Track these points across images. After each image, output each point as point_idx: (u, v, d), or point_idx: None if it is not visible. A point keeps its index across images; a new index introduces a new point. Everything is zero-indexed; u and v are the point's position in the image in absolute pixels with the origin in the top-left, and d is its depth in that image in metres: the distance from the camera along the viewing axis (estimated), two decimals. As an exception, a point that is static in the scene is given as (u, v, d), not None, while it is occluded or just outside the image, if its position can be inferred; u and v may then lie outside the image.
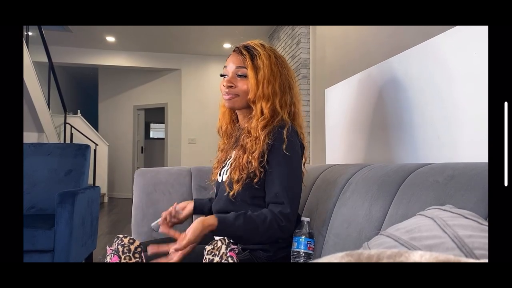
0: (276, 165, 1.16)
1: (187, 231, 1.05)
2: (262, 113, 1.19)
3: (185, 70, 7.99)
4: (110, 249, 1.04)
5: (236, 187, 1.18)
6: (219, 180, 1.32)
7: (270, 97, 1.19)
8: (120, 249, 1.02)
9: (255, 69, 1.20)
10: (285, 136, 1.15)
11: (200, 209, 1.40)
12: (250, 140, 1.19)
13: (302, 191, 1.26)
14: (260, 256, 1.20)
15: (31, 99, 4.89)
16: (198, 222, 1.05)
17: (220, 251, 1.00)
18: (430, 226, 0.65)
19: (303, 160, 1.27)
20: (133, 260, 1.02)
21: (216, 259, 0.99)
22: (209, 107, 7.68)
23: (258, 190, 1.19)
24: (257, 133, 1.18)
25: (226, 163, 1.31)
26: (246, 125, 1.25)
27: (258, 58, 1.20)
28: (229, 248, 1.00)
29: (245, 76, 1.21)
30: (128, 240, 1.04)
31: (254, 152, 1.16)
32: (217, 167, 1.37)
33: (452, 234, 0.61)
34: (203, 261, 1.04)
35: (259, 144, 1.16)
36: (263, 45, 1.25)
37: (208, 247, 1.04)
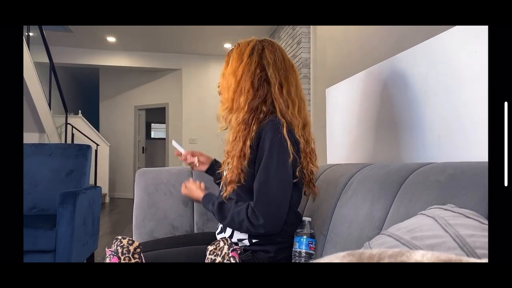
0: (260, 161, 1.16)
1: (187, 184, 1.44)
2: (222, 102, 1.25)
3: (186, 70, 7.99)
4: (110, 250, 1.04)
5: (229, 189, 1.20)
6: (223, 174, 1.33)
7: (229, 88, 1.22)
8: (120, 250, 1.02)
9: (226, 64, 1.27)
10: (267, 132, 1.14)
11: (212, 173, 1.58)
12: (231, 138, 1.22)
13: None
14: (261, 257, 1.20)
15: (32, 99, 4.89)
16: (195, 190, 1.40)
17: (222, 251, 1.00)
18: (431, 226, 0.65)
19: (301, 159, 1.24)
20: (133, 261, 1.03)
21: (219, 259, 1.00)
22: (210, 107, 7.67)
23: (243, 195, 1.20)
24: (222, 123, 1.25)
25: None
26: None
27: (232, 53, 1.26)
28: (231, 249, 1.01)
29: None
30: (127, 241, 1.05)
31: (234, 154, 1.18)
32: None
33: (453, 234, 0.61)
34: (206, 261, 1.04)
35: (239, 138, 1.17)
36: (248, 41, 1.27)
37: (210, 247, 1.05)
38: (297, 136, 1.18)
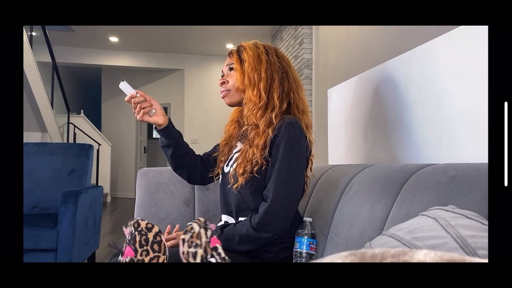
0: (277, 161, 1.16)
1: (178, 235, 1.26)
2: (250, 100, 1.23)
3: (188, 70, 8.00)
4: (126, 232, 0.85)
5: (240, 180, 1.19)
6: (225, 171, 1.33)
7: (256, 83, 1.23)
8: (137, 238, 0.83)
9: (241, 61, 1.27)
10: (288, 131, 1.15)
11: (169, 132, 1.39)
12: (253, 131, 1.21)
13: (308, 187, 1.29)
14: (262, 257, 1.20)
15: (34, 99, 4.90)
16: None
17: (202, 240, 0.82)
18: (432, 226, 0.65)
19: (310, 156, 1.27)
20: (151, 255, 0.84)
21: (200, 252, 0.81)
22: (212, 107, 7.68)
23: (258, 181, 1.19)
24: (253, 121, 1.21)
25: (233, 156, 1.31)
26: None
27: (244, 51, 1.28)
28: (209, 234, 0.84)
29: (234, 69, 1.30)
30: (146, 226, 0.84)
31: (257, 143, 1.18)
32: (224, 144, 1.41)
33: (454, 234, 0.61)
34: (182, 253, 0.84)
35: (259, 133, 1.18)
36: (254, 42, 1.31)
37: (185, 237, 0.84)
38: (309, 136, 1.24)
